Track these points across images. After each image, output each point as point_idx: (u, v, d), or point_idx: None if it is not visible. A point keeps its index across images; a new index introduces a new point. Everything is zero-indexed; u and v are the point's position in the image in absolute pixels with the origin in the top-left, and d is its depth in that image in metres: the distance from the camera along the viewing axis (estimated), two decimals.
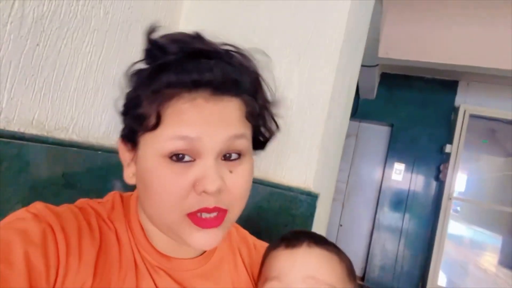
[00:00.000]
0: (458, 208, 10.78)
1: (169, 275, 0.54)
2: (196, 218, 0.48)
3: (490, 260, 6.65)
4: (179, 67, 0.46)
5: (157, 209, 0.48)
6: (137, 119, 0.48)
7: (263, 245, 0.68)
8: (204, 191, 0.46)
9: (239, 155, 0.50)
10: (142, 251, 0.53)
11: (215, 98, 0.47)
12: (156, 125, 0.47)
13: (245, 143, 0.50)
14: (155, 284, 0.52)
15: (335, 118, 1.13)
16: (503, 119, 4.13)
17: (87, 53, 0.87)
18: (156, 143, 0.47)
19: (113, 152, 0.95)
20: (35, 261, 0.41)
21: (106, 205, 0.55)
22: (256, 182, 1.07)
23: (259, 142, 0.59)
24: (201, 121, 0.46)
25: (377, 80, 4.11)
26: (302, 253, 0.54)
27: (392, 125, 4.48)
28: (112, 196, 0.58)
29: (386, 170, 4.49)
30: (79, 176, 0.87)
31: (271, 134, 0.59)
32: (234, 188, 0.49)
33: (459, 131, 4.00)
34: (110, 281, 0.48)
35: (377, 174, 4.59)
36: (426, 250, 4.17)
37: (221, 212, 0.49)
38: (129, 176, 0.53)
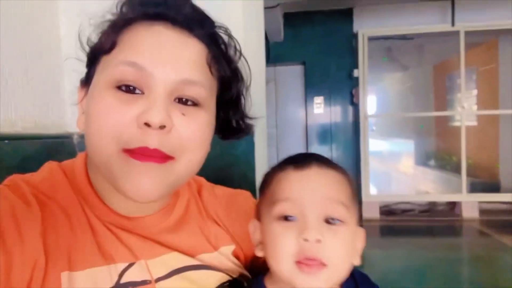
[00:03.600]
0: (374, 128, 12.03)
1: (134, 233, 0.51)
2: (134, 152, 0.44)
3: (407, 163, 7.63)
4: (143, 1, 0.47)
5: (95, 141, 0.45)
6: (95, 47, 0.48)
7: (221, 188, 0.67)
8: (146, 123, 0.42)
9: (195, 104, 0.47)
10: (98, 213, 0.50)
11: (173, 29, 0.46)
12: (111, 48, 0.45)
13: (200, 92, 0.47)
14: (121, 241, 0.49)
15: (251, 64, 1.14)
16: (395, 35, 4.55)
17: None
18: (106, 70, 0.45)
19: (20, 138, 0.87)
20: None
21: (41, 176, 0.51)
22: None
23: (229, 126, 0.58)
24: (155, 49, 0.44)
25: (281, 21, 4.18)
26: (314, 175, 0.51)
27: (304, 63, 4.68)
28: (48, 166, 0.53)
29: (308, 107, 4.75)
30: None
31: (241, 117, 0.58)
32: (184, 131, 0.45)
33: (361, 55, 4.33)
34: (68, 252, 0.45)
35: (301, 112, 4.84)
36: (355, 169, 4.63)
37: (165, 157, 0.45)
38: (82, 122, 0.49)
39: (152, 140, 0.43)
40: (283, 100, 4.88)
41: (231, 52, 0.53)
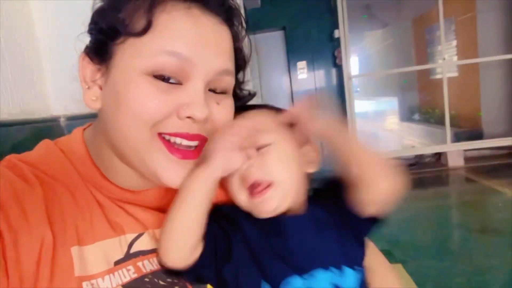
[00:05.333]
0: (358, 89, 12.06)
1: (140, 206, 0.51)
2: (168, 142, 0.44)
3: (392, 120, 7.75)
4: None
5: (127, 127, 0.43)
6: (117, 24, 0.42)
7: None
8: (190, 117, 0.43)
9: (224, 92, 0.48)
10: (103, 190, 0.49)
11: (209, 13, 0.44)
12: (145, 30, 0.41)
13: (232, 81, 0.49)
14: (128, 213, 0.49)
15: None
16: None
17: None
18: (140, 56, 0.42)
19: (7, 125, 0.85)
20: None
21: (38, 154, 0.49)
22: None
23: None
24: (197, 37, 0.42)
25: None
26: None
27: (284, 28, 4.60)
28: (44, 144, 0.51)
29: (292, 73, 4.71)
30: None
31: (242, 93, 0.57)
32: (219, 120, 0.47)
33: (341, 14, 4.27)
34: (76, 228, 0.45)
35: (285, 79, 4.80)
36: None
37: (202, 142, 0.46)
38: (90, 99, 0.46)
39: (193, 128, 0.44)
40: (266, 69, 4.82)
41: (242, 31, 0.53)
